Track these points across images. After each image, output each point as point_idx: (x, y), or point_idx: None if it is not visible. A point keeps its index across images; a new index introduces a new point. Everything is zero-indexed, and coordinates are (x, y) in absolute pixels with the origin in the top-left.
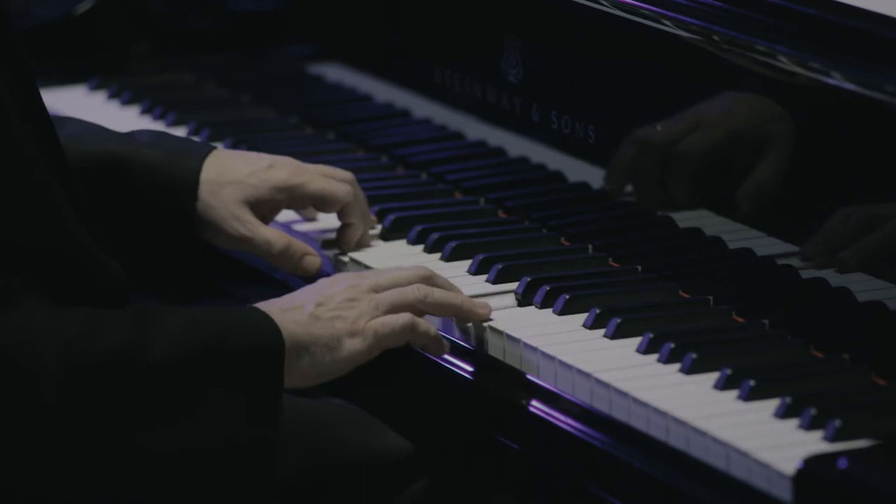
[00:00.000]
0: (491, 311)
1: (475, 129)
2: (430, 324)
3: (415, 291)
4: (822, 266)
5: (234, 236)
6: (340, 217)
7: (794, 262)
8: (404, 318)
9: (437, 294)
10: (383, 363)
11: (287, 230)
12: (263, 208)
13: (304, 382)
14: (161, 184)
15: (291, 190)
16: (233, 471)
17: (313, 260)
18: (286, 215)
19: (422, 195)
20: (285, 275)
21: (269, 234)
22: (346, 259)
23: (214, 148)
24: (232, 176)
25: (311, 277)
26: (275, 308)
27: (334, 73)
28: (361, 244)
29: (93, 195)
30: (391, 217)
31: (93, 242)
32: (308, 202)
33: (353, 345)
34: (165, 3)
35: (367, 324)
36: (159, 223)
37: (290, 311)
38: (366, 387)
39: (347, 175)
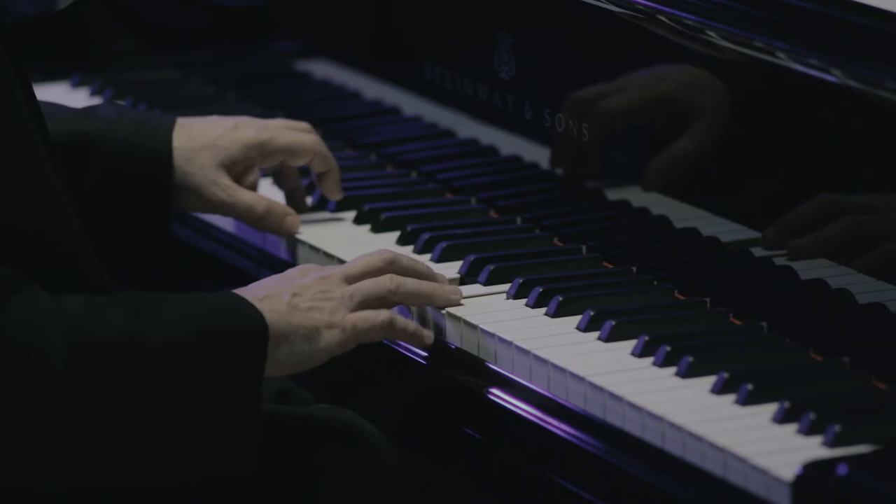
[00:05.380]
0: (462, 295)
1: (466, 127)
2: (408, 320)
3: (387, 282)
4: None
5: (214, 202)
6: (314, 167)
7: (793, 262)
8: (384, 315)
9: (409, 284)
10: (367, 365)
11: None
12: (238, 168)
13: (279, 371)
14: (134, 158)
15: (262, 146)
16: (217, 450)
17: (294, 220)
18: None
19: (412, 194)
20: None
21: (250, 198)
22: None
23: (176, 118)
24: (203, 140)
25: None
26: (251, 296)
27: (322, 69)
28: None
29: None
30: (380, 217)
31: (84, 237)
32: (279, 156)
33: (331, 337)
34: None
35: (346, 317)
36: (133, 199)
37: (266, 300)
38: (353, 390)
39: (307, 125)
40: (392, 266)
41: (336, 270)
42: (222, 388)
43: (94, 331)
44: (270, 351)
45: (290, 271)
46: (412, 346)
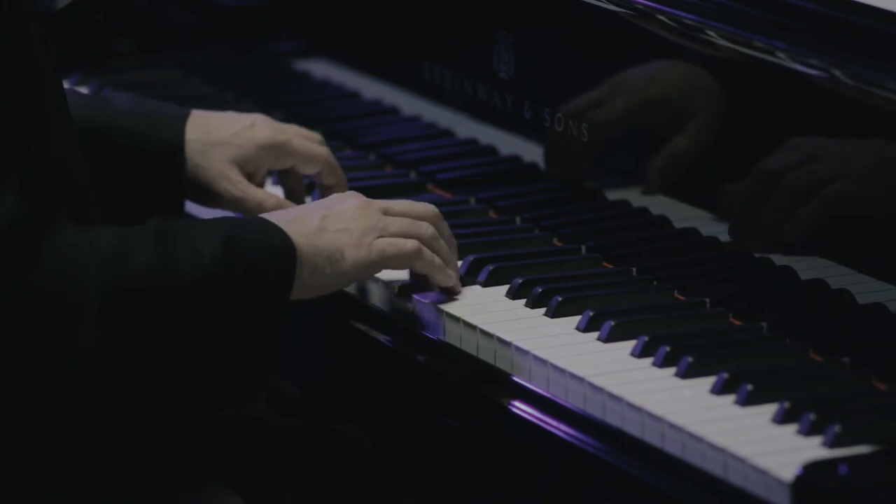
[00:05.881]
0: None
1: (465, 127)
2: (434, 254)
3: (425, 228)
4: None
5: (224, 197)
6: (321, 179)
7: (793, 263)
8: (412, 243)
9: (442, 243)
10: (362, 364)
11: None
12: (249, 167)
13: (306, 293)
14: (146, 149)
15: (276, 148)
16: (239, 374)
17: None
18: None
19: (410, 194)
20: None
21: (260, 195)
22: None
23: (191, 110)
24: (218, 136)
25: None
26: (281, 220)
27: (321, 69)
28: None
29: None
30: None
31: (92, 191)
32: (292, 160)
33: (355, 258)
34: None
35: (374, 241)
36: (145, 189)
37: (295, 223)
38: (349, 390)
39: (320, 137)
40: (433, 219)
41: (378, 202)
42: (250, 313)
43: (126, 267)
44: (296, 273)
45: (332, 196)
46: (437, 281)
